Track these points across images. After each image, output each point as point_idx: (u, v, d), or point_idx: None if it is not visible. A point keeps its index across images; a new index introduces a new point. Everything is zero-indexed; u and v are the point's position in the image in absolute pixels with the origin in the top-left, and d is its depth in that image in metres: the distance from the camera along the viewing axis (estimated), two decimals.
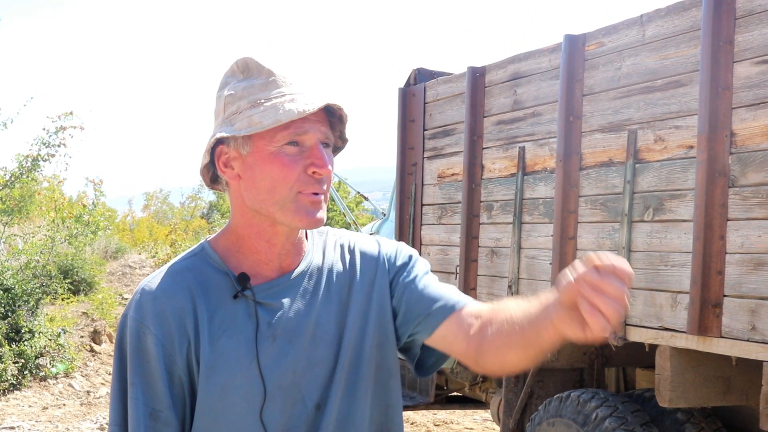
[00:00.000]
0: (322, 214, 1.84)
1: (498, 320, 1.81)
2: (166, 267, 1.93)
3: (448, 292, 1.97)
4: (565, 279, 1.55)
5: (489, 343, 1.82)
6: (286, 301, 1.87)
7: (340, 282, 1.94)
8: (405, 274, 1.97)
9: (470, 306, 1.93)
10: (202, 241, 1.98)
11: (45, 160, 12.00)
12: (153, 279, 1.89)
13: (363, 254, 1.99)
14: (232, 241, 1.92)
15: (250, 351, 1.82)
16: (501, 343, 1.80)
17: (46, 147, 11.99)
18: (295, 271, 1.91)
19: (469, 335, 1.87)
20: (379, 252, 2.01)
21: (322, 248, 1.98)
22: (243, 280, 1.86)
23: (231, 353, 1.82)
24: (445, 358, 2.03)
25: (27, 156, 11.97)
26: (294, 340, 1.85)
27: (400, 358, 2.03)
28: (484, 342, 1.83)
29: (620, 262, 1.49)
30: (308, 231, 1.99)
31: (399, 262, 1.99)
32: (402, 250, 2.03)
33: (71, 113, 12.16)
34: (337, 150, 1.96)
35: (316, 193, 1.81)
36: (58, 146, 12.02)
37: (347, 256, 1.98)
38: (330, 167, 1.81)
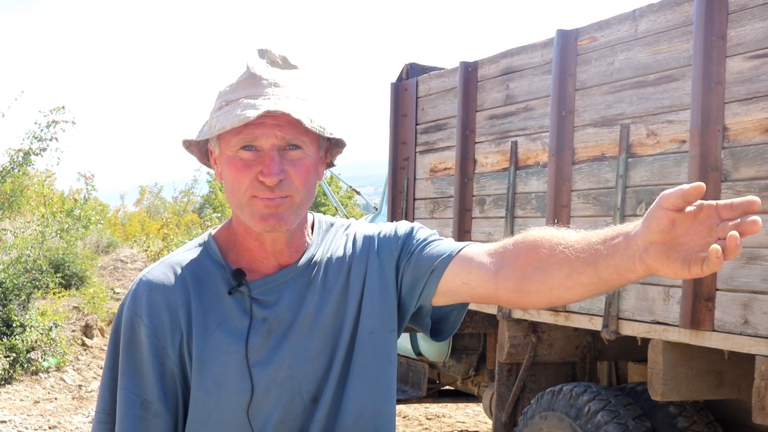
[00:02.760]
0: (284, 215, 1.80)
1: (545, 253, 1.66)
2: (166, 258, 1.94)
3: (449, 242, 1.91)
4: (659, 204, 1.44)
5: (540, 282, 1.68)
6: (282, 296, 1.87)
7: (337, 272, 1.92)
8: (408, 246, 1.93)
9: (476, 246, 1.85)
10: (208, 230, 2.00)
11: (36, 155, 11.97)
12: (151, 270, 1.90)
13: (360, 241, 1.97)
14: (231, 235, 1.93)
15: (242, 347, 1.82)
16: (559, 282, 1.65)
17: (38, 141, 11.96)
18: (294, 265, 1.90)
19: (494, 274, 1.75)
20: (375, 236, 1.97)
21: (327, 241, 1.97)
22: (238, 276, 1.86)
23: (223, 348, 1.82)
24: (460, 317, 1.98)
25: (18, 150, 11.95)
26: (289, 334, 1.85)
27: (414, 329, 1.98)
28: (531, 279, 1.69)
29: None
30: (315, 224, 1.99)
31: (401, 239, 1.95)
32: (401, 227, 1.99)
33: (63, 108, 12.15)
34: (339, 146, 1.95)
35: (271, 198, 1.78)
36: (50, 140, 12.00)
37: (348, 246, 1.96)
38: (275, 176, 1.75)
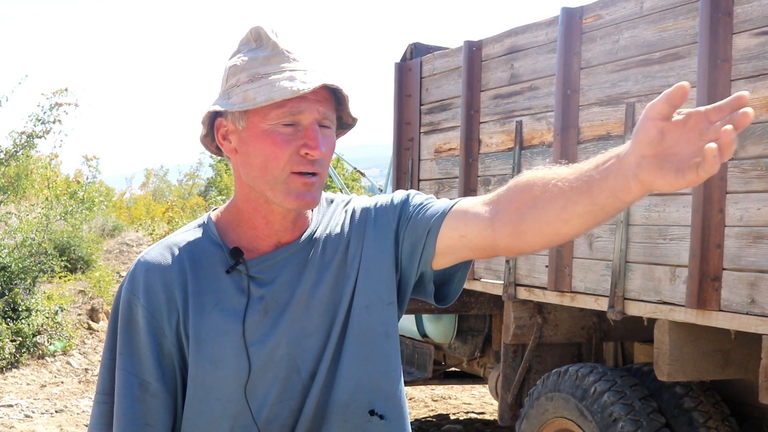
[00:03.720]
0: (316, 195, 1.81)
1: (537, 191, 1.63)
2: (165, 240, 1.94)
3: (443, 201, 1.89)
4: (645, 115, 1.43)
5: (536, 220, 1.64)
6: (280, 273, 1.86)
7: (335, 247, 1.91)
8: (405, 213, 1.91)
9: (467, 199, 1.84)
10: (208, 212, 1.99)
11: (39, 137, 11.97)
12: (150, 251, 1.91)
13: (359, 214, 1.95)
14: (234, 215, 1.92)
15: (239, 325, 1.82)
16: (555, 215, 1.61)
17: (42, 124, 11.95)
18: (293, 243, 1.89)
19: (490, 221, 1.73)
20: (372, 207, 1.95)
21: (327, 217, 1.95)
22: (236, 254, 1.85)
23: (220, 327, 1.82)
24: (463, 277, 1.95)
25: (21, 133, 11.94)
26: (286, 312, 1.84)
27: (419, 300, 1.96)
28: (526, 219, 1.66)
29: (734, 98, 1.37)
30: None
31: (398, 208, 1.92)
32: (397, 195, 1.96)
33: (66, 90, 12.13)
34: (347, 127, 1.95)
35: (310, 173, 1.78)
36: (53, 123, 11.99)
37: (347, 221, 1.95)
38: (323, 149, 1.76)
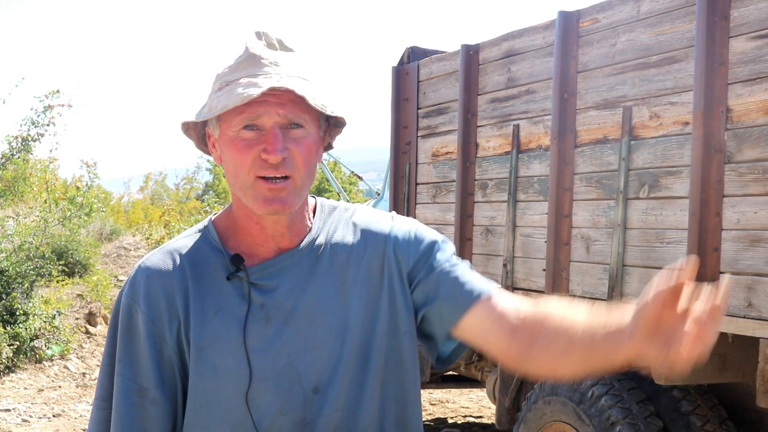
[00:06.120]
0: (287, 198, 1.78)
1: (552, 327, 1.74)
2: (165, 245, 1.93)
3: (478, 278, 1.90)
4: (649, 301, 1.50)
5: (541, 351, 1.75)
6: (281, 281, 1.85)
7: (342, 261, 1.89)
8: (428, 259, 1.90)
9: (503, 297, 1.86)
10: (209, 216, 1.98)
11: (35, 140, 11.95)
12: (150, 257, 1.90)
13: (371, 234, 1.93)
14: (232, 221, 1.91)
15: (240, 333, 1.80)
16: (557, 355, 1.73)
17: (35, 127, 11.94)
18: (294, 250, 1.88)
19: (510, 333, 1.79)
20: (390, 235, 1.93)
21: (330, 226, 1.94)
22: (236, 261, 1.84)
23: (222, 334, 1.80)
24: (464, 347, 1.96)
25: (17, 137, 11.93)
26: (289, 321, 1.83)
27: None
28: (535, 348, 1.76)
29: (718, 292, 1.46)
30: (317, 207, 1.96)
31: (422, 249, 1.92)
32: (420, 232, 1.95)
33: (58, 91, 12.11)
34: (339, 125, 1.92)
35: (276, 177, 1.76)
36: (47, 125, 11.97)
37: (356, 235, 1.93)
38: (279, 153, 1.74)
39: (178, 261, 1.86)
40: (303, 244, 1.88)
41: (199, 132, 1.91)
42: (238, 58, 1.83)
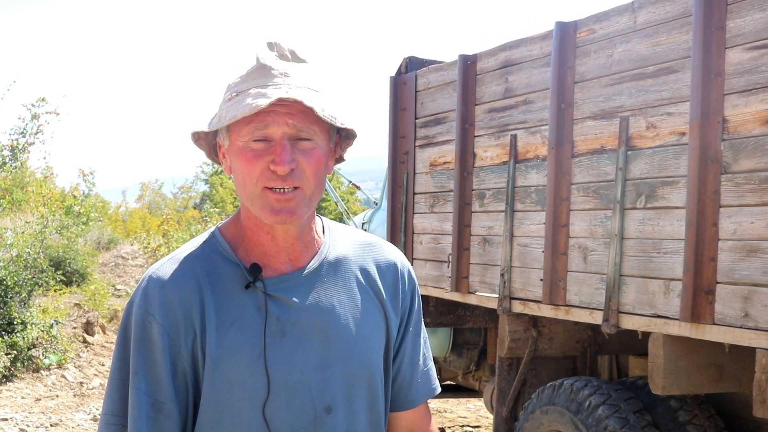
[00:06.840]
0: (295, 209, 1.79)
1: None
2: (174, 254, 1.90)
3: (423, 373, 2.07)
4: None
5: None
6: (297, 297, 1.84)
7: (356, 285, 1.92)
8: (410, 313, 2.02)
9: (425, 415, 2.09)
10: (213, 227, 1.96)
11: (23, 151, 11.96)
12: (161, 266, 1.86)
13: (385, 266, 2.00)
14: (240, 230, 1.90)
15: (258, 345, 1.79)
16: None
17: (23, 136, 11.93)
18: (309, 266, 1.88)
19: None
20: (400, 267, 2.03)
21: (341, 245, 1.95)
22: (255, 270, 1.83)
23: (238, 347, 1.79)
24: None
25: (7, 146, 11.93)
26: (304, 338, 1.82)
27: None
28: None
29: None
30: (326, 225, 1.97)
31: (412, 301, 2.04)
32: (412, 278, 2.05)
33: (44, 99, 12.10)
34: (350, 137, 1.93)
35: (283, 188, 1.76)
36: (36, 134, 11.97)
37: (368, 261, 1.97)
38: (286, 165, 1.74)
39: (191, 271, 1.83)
40: (316, 260, 1.89)
41: (210, 142, 1.91)
42: (250, 68, 1.82)
